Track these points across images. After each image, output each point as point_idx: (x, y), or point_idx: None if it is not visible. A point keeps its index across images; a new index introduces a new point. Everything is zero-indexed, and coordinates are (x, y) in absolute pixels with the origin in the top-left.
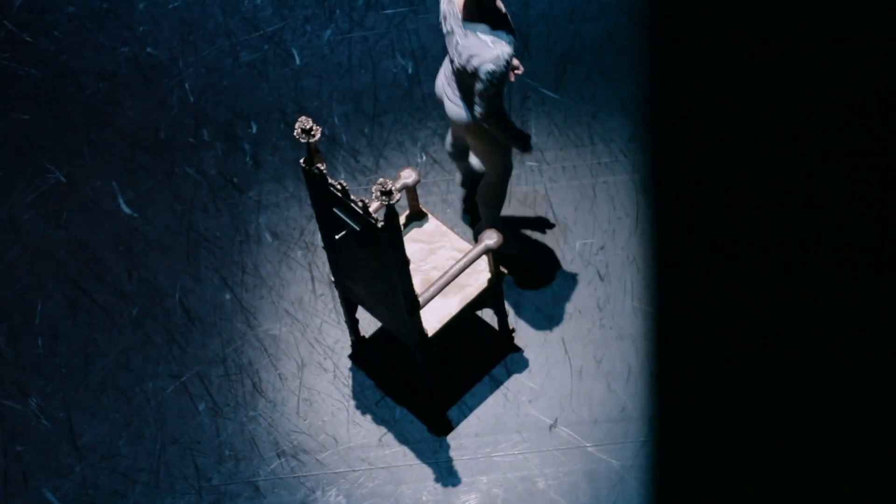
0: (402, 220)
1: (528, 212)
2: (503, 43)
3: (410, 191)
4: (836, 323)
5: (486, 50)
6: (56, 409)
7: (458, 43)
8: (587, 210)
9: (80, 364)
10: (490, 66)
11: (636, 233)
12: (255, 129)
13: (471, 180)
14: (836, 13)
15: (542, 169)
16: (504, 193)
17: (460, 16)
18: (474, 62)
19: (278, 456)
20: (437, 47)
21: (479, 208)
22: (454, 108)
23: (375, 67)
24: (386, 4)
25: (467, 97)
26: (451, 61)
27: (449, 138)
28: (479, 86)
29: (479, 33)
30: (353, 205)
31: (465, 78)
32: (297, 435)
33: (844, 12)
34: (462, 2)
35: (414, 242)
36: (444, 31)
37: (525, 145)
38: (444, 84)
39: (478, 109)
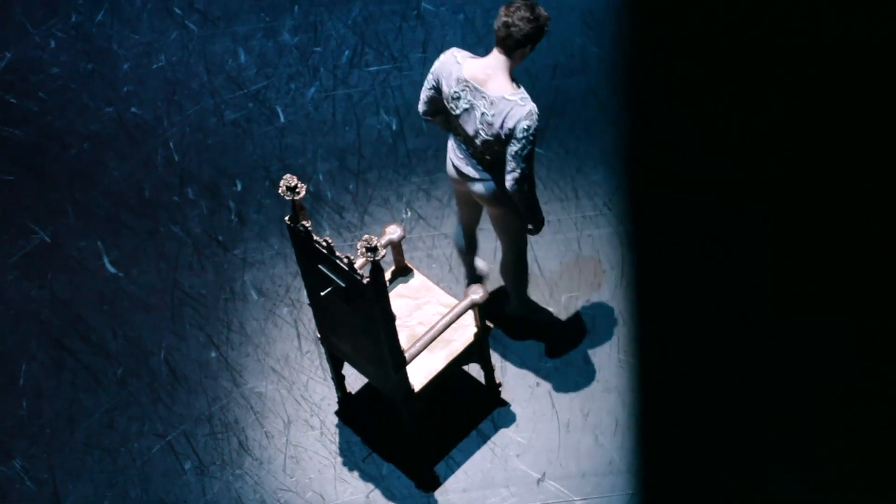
0: (387, 275)
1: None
2: (528, 98)
3: (396, 246)
4: (826, 373)
5: (519, 108)
6: (40, 471)
7: (484, 113)
8: (572, 263)
9: (65, 425)
10: (527, 123)
11: (621, 285)
12: (239, 187)
13: (473, 277)
14: (823, 60)
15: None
16: (526, 266)
17: (482, 88)
18: (510, 123)
19: None
20: None
21: (508, 290)
22: (482, 185)
23: (360, 124)
24: (370, 62)
25: (496, 168)
26: (473, 139)
27: (459, 230)
28: (515, 147)
29: (505, 96)
30: (338, 261)
31: (494, 148)
32: (285, 493)
33: (827, 62)
34: (481, 73)
35: (399, 298)
36: (458, 110)
37: (540, 222)
38: (464, 165)
39: (514, 175)
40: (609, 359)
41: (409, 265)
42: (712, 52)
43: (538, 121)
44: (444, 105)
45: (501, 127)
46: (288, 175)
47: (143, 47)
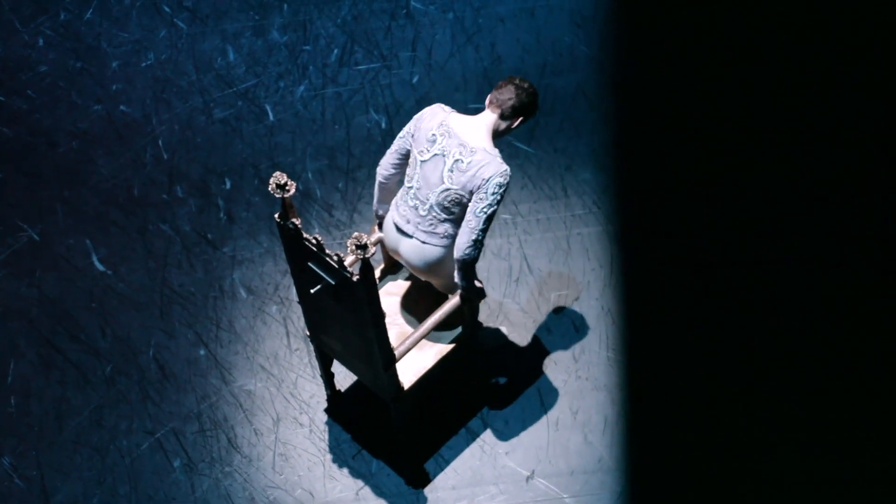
0: (377, 273)
1: (503, 264)
2: (501, 157)
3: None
4: (818, 369)
5: (497, 164)
6: (29, 468)
7: (458, 161)
8: (561, 262)
9: (54, 422)
10: (502, 179)
11: (611, 284)
12: (228, 185)
13: None
14: (811, 66)
15: (515, 221)
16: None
17: (463, 137)
18: (485, 174)
19: None
20: (410, 103)
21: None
22: (417, 246)
23: (349, 123)
24: (359, 60)
25: (437, 233)
26: (430, 190)
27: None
28: (481, 203)
29: (486, 149)
30: (327, 259)
31: (449, 203)
32: (274, 490)
33: (816, 66)
34: (466, 125)
35: (389, 296)
36: (427, 154)
37: (477, 293)
38: (404, 222)
39: (472, 236)
40: (598, 357)
41: (398, 263)
42: (701, 51)
43: (504, 183)
44: (410, 155)
45: (474, 176)
46: (277, 172)
47: (131, 45)
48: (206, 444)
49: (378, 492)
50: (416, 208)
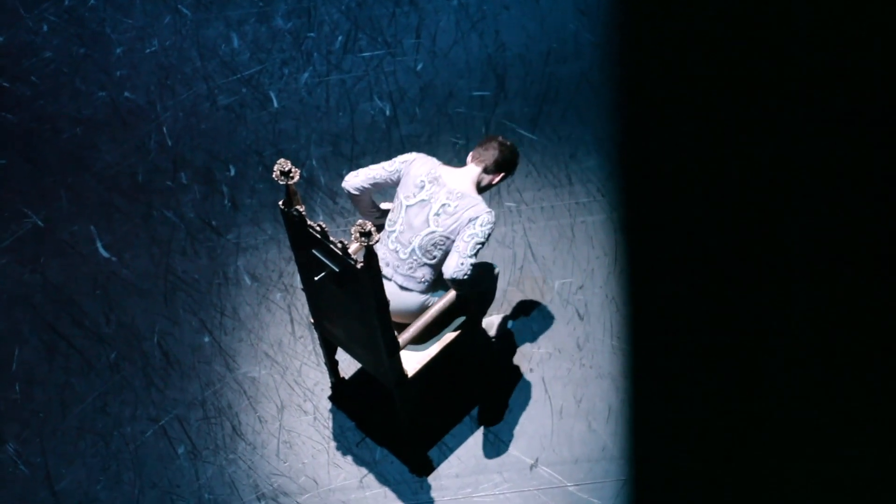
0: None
1: (507, 252)
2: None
3: None
4: (822, 360)
5: (482, 207)
6: (33, 455)
7: (445, 205)
8: (566, 250)
9: (58, 409)
10: (489, 218)
11: (615, 271)
12: (233, 172)
13: None
14: (816, 51)
15: (520, 209)
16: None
17: (451, 185)
18: (472, 213)
19: (258, 499)
20: (414, 90)
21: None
22: (400, 294)
23: (353, 110)
24: (363, 47)
25: (415, 277)
26: (414, 234)
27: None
28: (470, 235)
29: (472, 195)
30: (332, 246)
31: (433, 247)
32: (278, 478)
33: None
34: (453, 175)
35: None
36: (413, 199)
37: (482, 293)
38: (383, 265)
39: (460, 259)
40: (602, 345)
41: None
42: (707, 38)
43: (489, 227)
44: (382, 187)
45: (461, 218)
46: (282, 159)
47: (136, 32)
48: (211, 432)
49: (382, 479)
50: (397, 251)
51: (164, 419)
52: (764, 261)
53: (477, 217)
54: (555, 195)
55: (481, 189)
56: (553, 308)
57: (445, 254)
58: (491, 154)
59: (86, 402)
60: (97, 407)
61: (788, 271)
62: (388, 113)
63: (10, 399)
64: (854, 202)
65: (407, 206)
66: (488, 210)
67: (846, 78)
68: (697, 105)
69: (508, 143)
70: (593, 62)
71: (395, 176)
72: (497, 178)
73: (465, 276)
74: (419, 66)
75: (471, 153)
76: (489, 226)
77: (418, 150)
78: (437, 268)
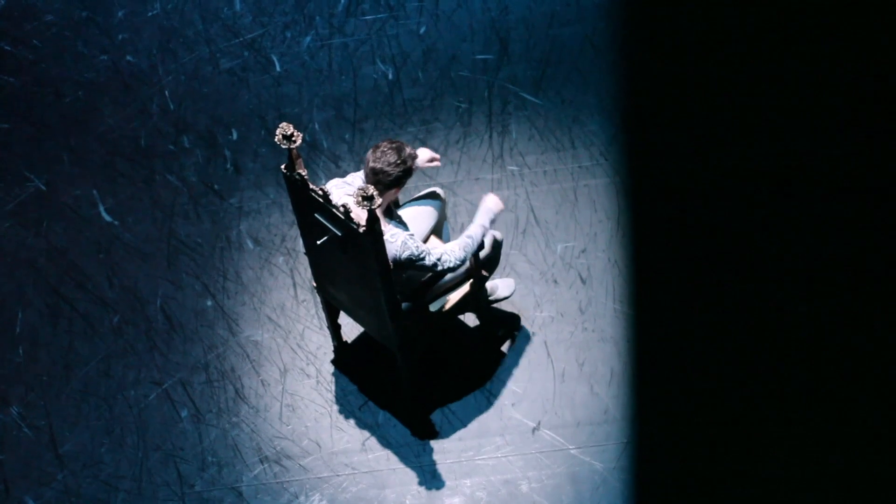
0: (383, 224)
1: (510, 216)
2: (398, 230)
3: None
4: (820, 326)
5: (391, 245)
6: (37, 418)
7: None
8: (568, 213)
9: (61, 372)
10: (407, 254)
11: (617, 235)
12: (235, 136)
13: None
14: (815, 16)
15: (522, 173)
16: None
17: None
18: (394, 254)
19: (261, 462)
20: (416, 53)
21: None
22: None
23: (356, 73)
24: (366, 10)
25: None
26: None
27: None
28: (424, 264)
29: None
30: (334, 210)
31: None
32: (280, 441)
33: (825, 17)
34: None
35: None
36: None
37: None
38: None
39: (446, 264)
40: (605, 309)
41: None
42: (714, 1)
43: (413, 245)
44: None
45: (394, 258)
46: (284, 123)
47: None
48: (214, 395)
49: (384, 442)
50: None
51: (168, 382)
52: (769, 224)
53: (399, 260)
54: (558, 159)
55: (387, 200)
56: (556, 272)
57: (417, 269)
58: (381, 180)
59: (89, 365)
60: (101, 370)
61: (794, 236)
62: (390, 77)
63: (14, 362)
64: (869, 177)
65: None
66: (399, 246)
67: (861, 60)
68: (701, 68)
69: (390, 153)
70: (597, 25)
71: None
72: (399, 188)
73: (453, 264)
74: (422, 30)
75: (365, 172)
76: (416, 256)
77: (421, 115)
78: (415, 278)
